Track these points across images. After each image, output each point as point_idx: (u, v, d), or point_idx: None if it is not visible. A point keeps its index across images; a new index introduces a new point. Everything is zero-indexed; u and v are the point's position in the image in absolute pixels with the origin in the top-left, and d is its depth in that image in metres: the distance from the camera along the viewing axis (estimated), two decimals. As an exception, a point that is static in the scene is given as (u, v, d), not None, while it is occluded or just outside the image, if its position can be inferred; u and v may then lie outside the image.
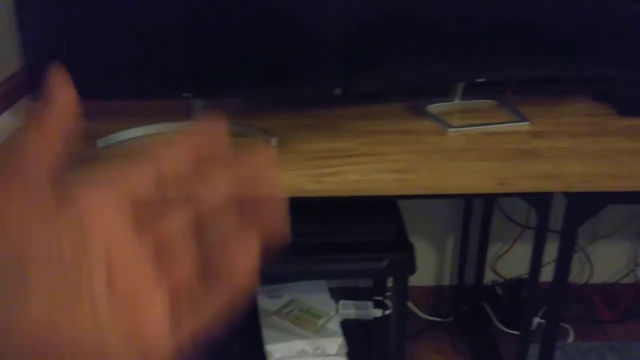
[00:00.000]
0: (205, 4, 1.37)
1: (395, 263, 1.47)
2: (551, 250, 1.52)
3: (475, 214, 1.94)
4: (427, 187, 1.25)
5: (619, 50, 1.55)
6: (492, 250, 2.00)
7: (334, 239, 1.50)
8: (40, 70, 1.42)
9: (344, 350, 1.67)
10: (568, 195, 1.28)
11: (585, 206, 1.28)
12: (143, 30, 1.38)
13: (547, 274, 1.53)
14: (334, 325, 1.72)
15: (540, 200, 1.29)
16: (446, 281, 2.07)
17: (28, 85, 1.41)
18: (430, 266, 2.05)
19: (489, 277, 2.03)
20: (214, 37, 1.39)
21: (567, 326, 1.94)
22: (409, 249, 1.50)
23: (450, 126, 1.51)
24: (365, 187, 1.25)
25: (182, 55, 1.40)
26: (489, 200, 1.87)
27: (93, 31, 1.37)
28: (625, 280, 2.04)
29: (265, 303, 1.77)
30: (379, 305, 1.91)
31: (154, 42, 1.39)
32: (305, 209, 1.55)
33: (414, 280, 2.06)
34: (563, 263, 1.36)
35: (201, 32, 1.39)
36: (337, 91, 1.45)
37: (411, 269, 1.50)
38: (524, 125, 1.53)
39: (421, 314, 2.02)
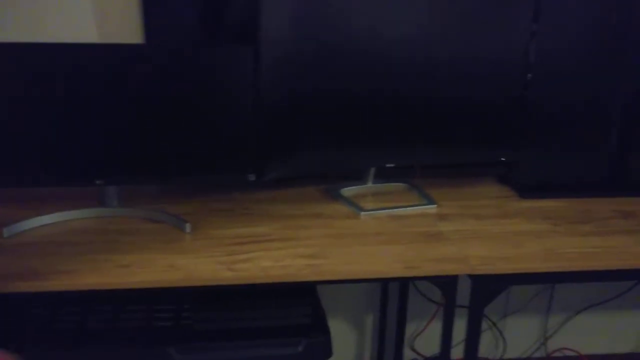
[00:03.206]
0: (119, 95, 1.38)
1: (311, 347, 1.46)
2: (465, 327, 1.55)
3: (392, 293, 1.97)
4: (336, 272, 1.28)
5: (516, 137, 1.66)
6: (410, 329, 2.03)
7: (249, 324, 1.48)
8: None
9: None
10: (472, 277, 1.33)
11: (488, 287, 1.33)
12: (55, 117, 1.38)
13: (458, 352, 1.55)
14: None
15: (446, 282, 1.34)
16: (366, 361, 2.08)
17: None
18: (349, 346, 2.05)
19: (408, 355, 2.05)
20: (128, 126, 1.41)
21: (485, 403, 1.97)
22: (325, 332, 1.50)
23: (362, 209, 1.56)
24: (277, 274, 1.27)
25: (95, 142, 1.40)
26: (404, 280, 1.91)
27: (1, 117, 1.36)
28: (537, 354, 2.11)
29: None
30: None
31: (67, 129, 1.39)
32: (220, 294, 1.54)
33: (334, 362, 2.05)
34: (472, 341, 1.40)
35: (114, 121, 1.40)
36: (251, 177, 1.48)
37: (328, 352, 1.50)
38: (431, 208, 1.60)
39: (342, 396, 2.01)
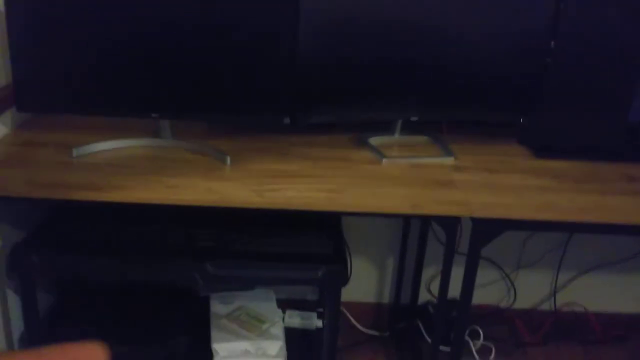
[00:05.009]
0: (177, 39, 1.59)
1: (329, 274, 1.66)
2: (479, 276, 1.66)
3: (412, 239, 2.15)
4: (349, 205, 1.46)
5: (536, 100, 1.78)
6: (428, 273, 2.21)
7: (277, 249, 1.69)
8: (26, 86, 1.65)
9: (284, 353, 1.85)
10: (472, 219, 1.49)
11: (486, 230, 1.49)
12: (120, 55, 1.59)
13: (474, 298, 1.68)
14: (277, 330, 1.90)
15: (449, 223, 1.51)
16: (385, 299, 2.27)
17: (14, 98, 1.62)
18: (371, 284, 2.25)
19: (424, 296, 2.23)
20: (182, 67, 1.61)
21: (491, 345, 2.14)
22: (343, 262, 1.70)
23: (385, 157, 1.73)
24: (298, 202, 1.46)
25: (153, 81, 1.62)
26: (425, 226, 2.09)
27: (74, 55, 1.59)
28: (546, 307, 2.25)
29: (217, 308, 1.95)
30: (322, 316, 2.10)
31: (130, 67, 1.60)
32: (254, 221, 1.76)
33: (356, 296, 2.27)
34: (469, 279, 1.56)
35: (171, 62, 1.60)
36: (286, 120, 1.67)
37: (344, 280, 1.70)
38: (449, 160, 1.75)
39: (361, 328, 2.22)
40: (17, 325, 1.82)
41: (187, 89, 1.64)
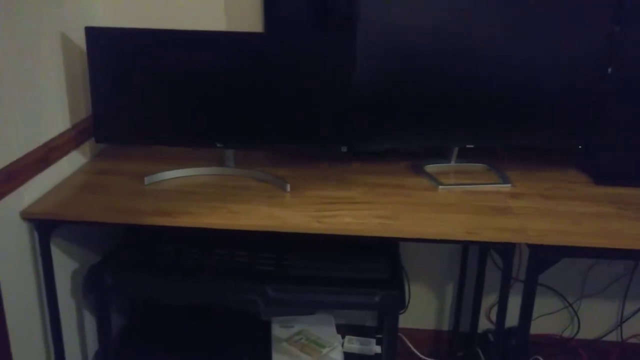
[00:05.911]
0: (241, 75, 1.68)
1: (386, 299, 1.69)
2: (542, 305, 1.62)
3: (471, 266, 2.15)
4: (405, 231, 1.49)
5: (595, 126, 1.77)
6: (488, 300, 2.19)
7: (336, 274, 1.74)
8: (104, 119, 1.79)
9: (343, 377, 1.89)
10: (529, 246, 1.49)
11: (542, 257, 1.49)
12: (188, 92, 1.70)
13: (536, 327, 1.66)
14: (336, 354, 1.93)
15: (504, 249, 1.51)
16: (445, 326, 2.27)
17: (93, 130, 1.76)
18: (430, 311, 2.25)
19: (484, 324, 2.21)
20: (246, 100, 1.71)
21: (554, 376, 2.10)
22: (400, 288, 1.72)
23: (441, 184, 1.76)
24: (355, 228, 1.50)
25: (218, 113, 1.72)
26: (483, 252, 2.08)
27: (147, 92, 1.71)
28: (612, 338, 2.19)
29: (278, 331, 2.01)
30: (381, 343, 2.12)
31: (197, 102, 1.71)
32: (314, 247, 1.82)
33: (415, 323, 2.28)
34: (527, 306, 1.56)
35: (235, 95, 1.70)
36: (344, 149, 1.73)
37: (401, 305, 1.72)
38: (505, 187, 1.76)
39: (420, 355, 2.22)
40: (92, 344, 1.94)
41: (249, 121, 1.73)
